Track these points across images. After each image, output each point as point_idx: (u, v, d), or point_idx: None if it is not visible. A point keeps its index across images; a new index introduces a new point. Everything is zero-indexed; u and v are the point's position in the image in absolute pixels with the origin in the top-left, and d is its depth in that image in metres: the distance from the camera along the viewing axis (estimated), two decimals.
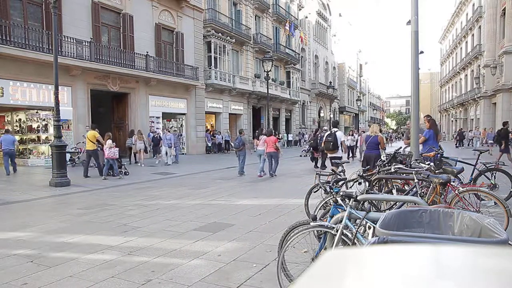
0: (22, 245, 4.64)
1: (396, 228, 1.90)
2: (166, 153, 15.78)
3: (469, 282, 0.56)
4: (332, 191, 3.18)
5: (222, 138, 24.65)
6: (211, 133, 24.69)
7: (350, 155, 17.95)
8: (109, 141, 11.44)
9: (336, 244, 2.74)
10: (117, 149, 11.86)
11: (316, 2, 41.22)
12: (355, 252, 0.84)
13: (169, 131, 17.19)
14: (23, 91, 13.92)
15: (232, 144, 25.41)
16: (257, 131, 17.68)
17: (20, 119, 16.38)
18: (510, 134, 14.88)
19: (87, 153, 11.92)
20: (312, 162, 14.71)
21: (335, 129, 10.07)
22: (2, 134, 13.44)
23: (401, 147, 8.39)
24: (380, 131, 8.60)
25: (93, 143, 11.68)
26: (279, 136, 24.63)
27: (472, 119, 40.08)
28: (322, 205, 4.51)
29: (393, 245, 1.52)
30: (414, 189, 4.20)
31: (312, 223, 2.93)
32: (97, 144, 11.83)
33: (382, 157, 6.78)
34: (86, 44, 15.36)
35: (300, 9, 37.92)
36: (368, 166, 6.77)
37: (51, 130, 14.78)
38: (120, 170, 11.85)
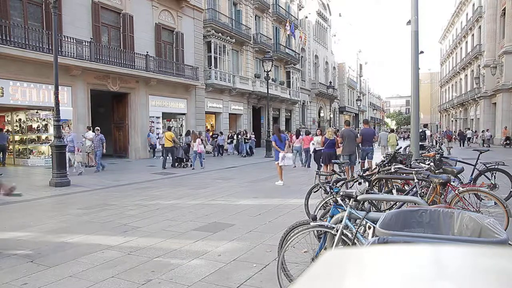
0: (22, 245, 4.64)
1: (396, 228, 1.90)
2: (71, 160, 12.28)
3: (469, 282, 0.56)
4: (332, 191, 3.19)
5: (224, 140, 22.02)
6: (211, 134, 22.92)
7: None
8: (198, 140, 14.01)
9: (336, 244, 2.74)
10: (202, 145, 14.39)
11: (316, 2, 41.20)
12: (355, 252, 0.84)
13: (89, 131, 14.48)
14: (23, 91, 13.90)
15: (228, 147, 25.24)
16: (295, 131, 20.62)
17: (20, 119, 16.36)
18: None
19: (165, 150, 14.49)
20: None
21: (425, 128, 15.74)
22: None
23: (401, 147, 8.43)
24: (336, 133, 11.04)
25: (170, 141, 14.24)
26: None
27: (472, 119, 40.08)
28: (322, 205, 4.51)
29: (393, 245, 1.52)
30: (414, 189, 4.20)
31: (312, 223, 2.93)
32: (173, 142, 14.30)
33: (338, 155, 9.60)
34: (86, 44, 15.35)
35: (300, 9, 37.90)
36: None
37: (51, 130, 14.77)
38: (186, 163, 14.62)
